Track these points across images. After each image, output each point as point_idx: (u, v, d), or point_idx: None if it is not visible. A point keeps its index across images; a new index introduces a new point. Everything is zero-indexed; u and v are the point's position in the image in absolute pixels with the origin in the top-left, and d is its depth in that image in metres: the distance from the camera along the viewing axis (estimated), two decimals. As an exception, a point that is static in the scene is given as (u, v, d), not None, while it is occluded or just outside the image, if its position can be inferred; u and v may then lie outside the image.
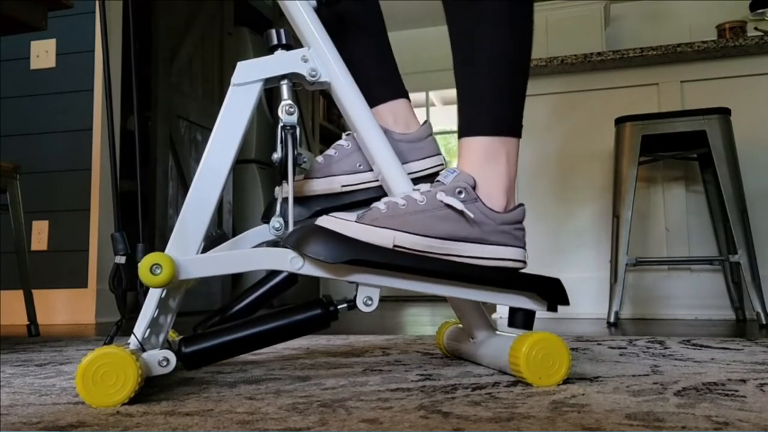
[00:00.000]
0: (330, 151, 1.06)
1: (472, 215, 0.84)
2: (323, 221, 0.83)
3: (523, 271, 0.88)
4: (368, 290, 0.83)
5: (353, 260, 0.79)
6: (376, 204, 0.86)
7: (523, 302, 0.87)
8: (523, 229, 0.88)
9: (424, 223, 0.83)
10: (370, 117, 0.95)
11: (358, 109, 0.94)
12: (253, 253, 0.82)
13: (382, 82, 1.08)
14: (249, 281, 3.89)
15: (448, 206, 0.84)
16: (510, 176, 0.89)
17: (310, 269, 0.82)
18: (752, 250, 2.13)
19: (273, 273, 1.05)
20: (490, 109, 0.89)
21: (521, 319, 0.87)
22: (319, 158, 1.06)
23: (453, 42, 0.93)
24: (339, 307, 0.85)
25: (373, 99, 1.04)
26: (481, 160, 0.88)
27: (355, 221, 0.83)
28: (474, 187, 0.86)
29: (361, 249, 0.80)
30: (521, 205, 0.89)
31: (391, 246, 0.82)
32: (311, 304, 0.84)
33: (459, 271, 0.83)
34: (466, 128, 0.91)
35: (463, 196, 0.85)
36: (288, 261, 0.82)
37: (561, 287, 0.87)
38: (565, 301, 0.87)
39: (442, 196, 0.84)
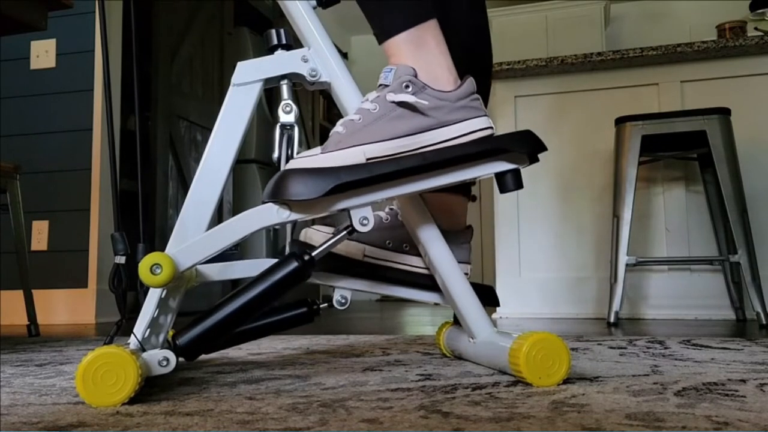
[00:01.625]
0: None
1: (426, 103, 0.84)
2: (292, 164, 0.83)
3: (494, 136, 0.88)
4: (361, 211, 0.83)
5: (336, 187, 0.79)
6: (334, 129, 0.86)
7: (505, 165, 0.86)
8: (478, 99, 0.88)
9: (385, 127, 0.84)
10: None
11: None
12: (239, 219, 0.81)
13: None
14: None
15: (401, 104, 0.84)
16: (445, 54, 0.89)
17: (297, 215, 0.81)
18: (752, 250, 2.13)
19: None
20: (395, 5, 0.89)
21: (512, 181, 0.86)
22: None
23: None
24: (339, 236, 0.85)
25: None
26: (411, 51, 0.88)
27: (321, 153, 0.83)
28: (416, 77, 0.86)
29: (339, 174, 0.79)
30: (467, 76, 0.89)
31: (364, 160, 0.82)
32: (285, 259, 0.83)
33: (436, 158, 0.83)
34: (384, 32, 0.90)
35: (410, 89, 0.85)
36: (275, 213, 0.81)
37: (534, 136, 0.87)
38: (542, 147, 0.87)
39: (392, 96, 0.84)
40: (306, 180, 0.79)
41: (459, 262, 1.04)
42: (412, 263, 1.04)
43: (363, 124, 0.84)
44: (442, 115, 0.85)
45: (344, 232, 0.85)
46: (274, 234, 3.97)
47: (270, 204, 0.81)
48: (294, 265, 0.82)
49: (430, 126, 0.85)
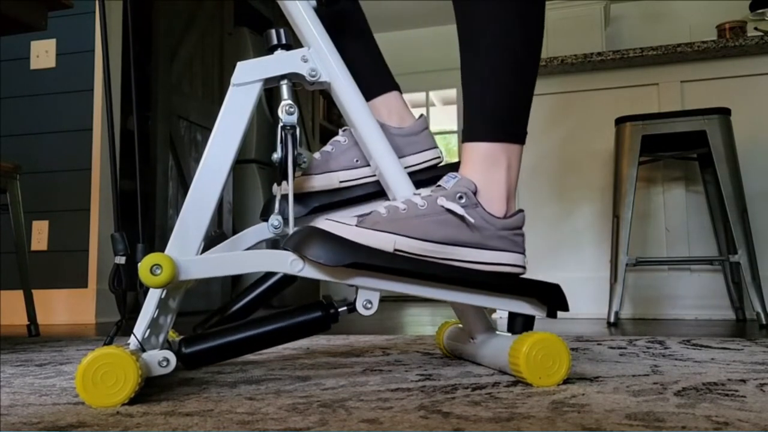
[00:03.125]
0: (327, 147, 1.06)
1: (472, 220, 0.84)
2: (323, 223, 0.83)
3: (522, 276, 0.88)
4: (368, 294, 0.83)
5: (354, 263, 0.79)
6: (377, 208, 0.86)
7: (523, 307, 0.87)
8: (522, 235, 0.89)
9: (425, 227, 0.84)
10: (371, 117, 0.94)
11: (358, 109, 0.94)
12: (253, 255, 0.82)
13: (373, 77, 1.09)
14: (249, 281, 3.89)
15: (449, 211, 0.85)
16: (510, 183, 0.90)
17: (309, 272, 0.82)
18: (752, 250, 2.13)
19: (271, 273, 1.06)
20: (493, 116, 0.89)
21: (520, 324, 0.87)
22: (317, 155, 1.06)
23: (461, 48, 0.93)
24: (339, 309, 0.85)
25: (366, 94, 1.04)
26: (482, 166, 0.89)
27: (356, 225, 0.83)
28: (475, 193, 0.86)
29: (362, 252, 0.80)
30: (521, 210, 0.89)
31: (391, 250, 0.82)
32: (312, 306, 0.85)
33: (458, 275, 0.83)
34: (469, 133, 0.91)
35: (463, 201, 0.85)
36: (288, 263, 0.82)
37: (560, 293, 0.87)
38: (565, 307, 0.87)
39: (442, 201, 0.85)
40: (329, 246, 0.79)
41: (423, 150, 1.05)
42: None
43: (405, 215, 0.84)
44: (482, 237, 0.85)
45: (345, 308, 0.85)
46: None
47: (288, 253, 0.82)
48: (317, 314, 0.84)
49: (466, 242, 0.85)
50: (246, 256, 0.83)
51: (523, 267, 0.88)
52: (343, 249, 0.79)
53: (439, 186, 0.89)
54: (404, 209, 0.85)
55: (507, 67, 0.88)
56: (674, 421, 0.59)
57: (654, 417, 0.61)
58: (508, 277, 0.86)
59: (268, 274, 1.06)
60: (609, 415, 0.62)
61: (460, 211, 0.84)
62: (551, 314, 0.87)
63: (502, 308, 0.86)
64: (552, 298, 0.87)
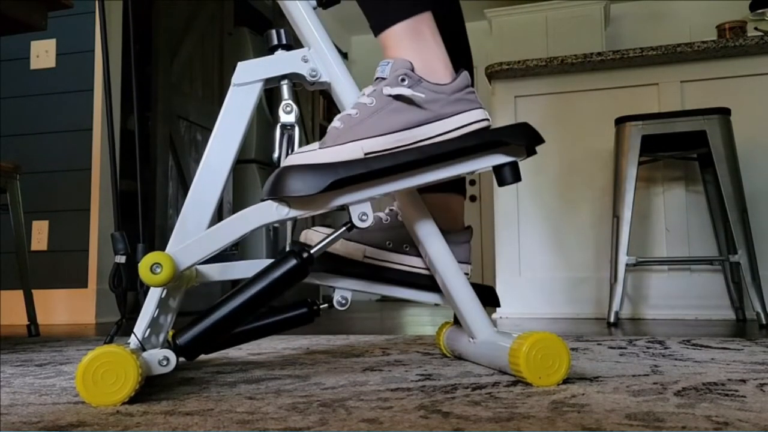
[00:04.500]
0: None
1: (422, 96, 0.84)
2: (289, 160, 0.83)
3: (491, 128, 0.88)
4: (359, 207, 0.83)
5: (333, 183, 0.78)
6: (332, 125, 0.86)
7: (503, 158, 0.86)
8: (473, 91, 0.89)
9: (382, 121, 0.83)
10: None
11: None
12: (238, 218, 0.81)
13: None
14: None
15: (398, 97, 0.84)
16: (441, 46, 0.89)
17: (296, 212, 0.81)
18: (752, 250, 2.13)
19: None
20: None
21: (510, 174, 0.87)
22: None
23: None
24: (338, 232, 0.85)
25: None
26: (410, 43, 0.88)
27: (319, 148, 0.83)
28: (413, 70, 0.86)
29: (337, 169, 0.79)
30: (462, 69, 0.89)
31: (362, 155, 0.82)
32: (284, 258, 0.83)
33: (433, 152, 0.83)
34: (381, 22, 0.90)
35: (406, 82, 0.85)
36: (274, 210, 0.81)
37: (531, 129, 0.87)
38: (540, 140, 0.87)
39: (388, 90, 0.84)
40: (304, 176, 0.78)
41: (459, 262, 1.04)
42: (412, 263, 1.04)
43: (360, 118, 0.84)
44: (438, 108, 0.85)
45: (343, 229, 0.85)
46: (273, 234, 3.97)
47: (269, 201, 0.81)
48: (293, 262, 0.82)
49: (426, 119, 0.84)
50: (232, 222, 0.81)
51: (487, 119, 0.87)
52: (318, 173, 0.79)
53: (378, 78, 0.88)
54: (356, 113, 0.85)
55: None
56: (674, 421, 0.59)
57: (654, 417, 0.61)
58: (477, 134, 0.86)
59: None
60: (609, 415, 0.62)
61: (407, 92, 0.83)
62: (530, 152, 0.87)
63: (485, 166, 0.86)
64: (525, 136, 0.86)
